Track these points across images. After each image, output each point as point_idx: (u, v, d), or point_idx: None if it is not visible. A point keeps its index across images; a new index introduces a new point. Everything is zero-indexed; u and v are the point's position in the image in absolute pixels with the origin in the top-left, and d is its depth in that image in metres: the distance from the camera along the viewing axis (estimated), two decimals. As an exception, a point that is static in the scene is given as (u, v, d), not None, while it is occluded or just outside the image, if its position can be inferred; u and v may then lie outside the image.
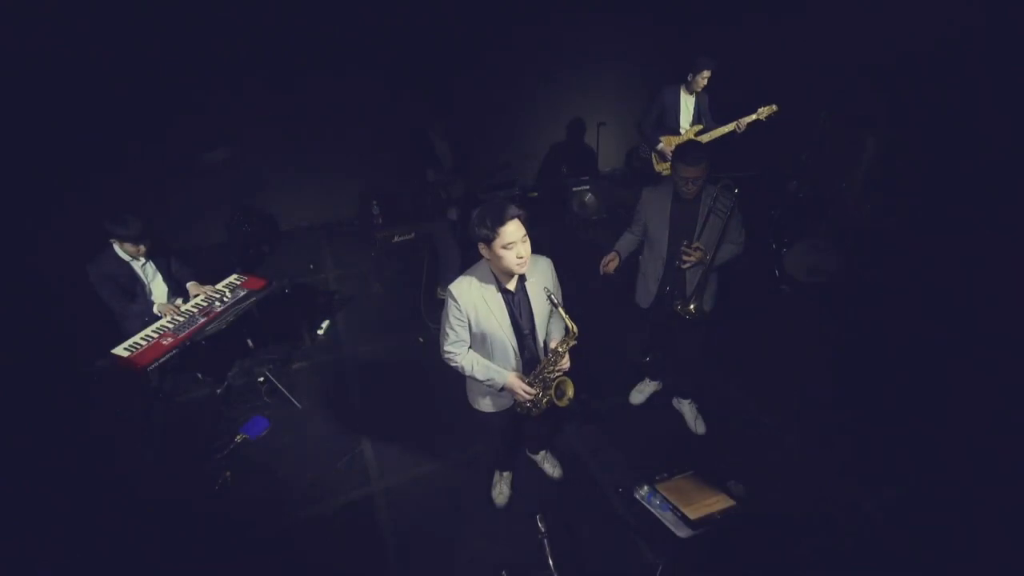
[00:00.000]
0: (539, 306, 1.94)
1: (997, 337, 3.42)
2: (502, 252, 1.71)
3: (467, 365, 1.95)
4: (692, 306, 2.51)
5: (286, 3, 4.26)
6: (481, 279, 1.87)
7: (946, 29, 3.93)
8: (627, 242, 2.72)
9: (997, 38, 3.71)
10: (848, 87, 4.53)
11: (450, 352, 1.95)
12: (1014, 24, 3.61)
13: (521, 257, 1.73)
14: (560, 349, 1.95)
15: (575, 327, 1.88)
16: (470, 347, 1.99)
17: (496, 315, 1.89)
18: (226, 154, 4.68)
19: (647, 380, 3.22)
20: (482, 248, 1.77)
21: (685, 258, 2.44)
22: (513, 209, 1.69)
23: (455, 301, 1.85)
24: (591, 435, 3.04)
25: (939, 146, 4.00)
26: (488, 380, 1.97)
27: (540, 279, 1.92)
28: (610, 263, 2.65)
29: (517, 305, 1.93)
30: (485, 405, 2.18)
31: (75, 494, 2.74)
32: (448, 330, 1.91)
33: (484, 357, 1.99)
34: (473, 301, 1.86)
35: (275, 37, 4.34)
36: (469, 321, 1.89)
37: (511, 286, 1.89)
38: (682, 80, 4.00)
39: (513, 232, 1.69)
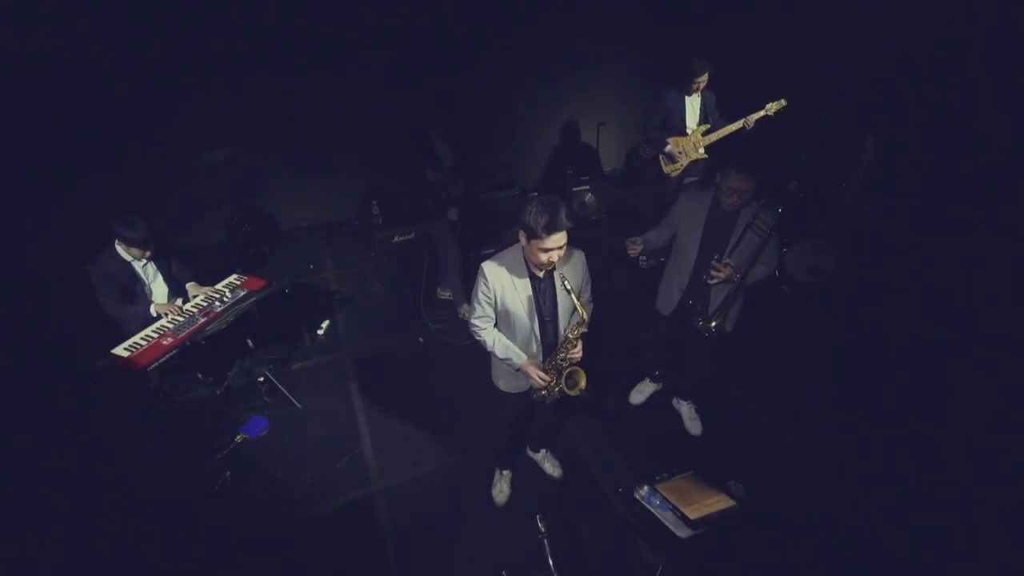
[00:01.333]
0: (563, 296, 2.01)
1: (997, 337, 3.42)
2: (538, 251, 1.81)
3: (489, 340, 2.06)
4: (713, 324, 2.41)
5: (286, 3, 4.26)
6: (513, 261, 1.97)
7: (946, 29, 3.93)
8: (653, 237, 2.61)
9: (997, 38, 3.71)
10: (848, 87, 4.53)
11: (476, 325, 2.06)
12: (1014, 24, 3.61)
13: (551, 261, 1.84)
14: (571, 336, 1.99)
15: (586, 314, 1.93)
16: (495, 324, 2.08)
17: (521, 298, 1.98)
18: (226, 154, 4.68)
19: (647, 380, 3.21)
20: (521, 235, 1.85)
21: (714, 273, 2.33)
22: (565, 221, 1.76)
23: (484, 278, 1.95)
24: (592, 434, 3.04)
25: (939, 146, 4.00)
26: (506, 359, 2.06)
27: (569, 271, 1.99)
28: (633, 245, 2.52)
29: (543, 292, 2.01)
30: (503, 384, 2.26)
31: (75, 494, 2.73)
32: (476, 304, 2.03)
33: (506, 333, 2.08)
34: (502, 281, 1.96)
35: (275, 37, 4.34)
36: (496, 298, 1.98)
37: (540, 273, 1.97)
38: (683, 84, 3.99)
39: (556, 240, 1.78)
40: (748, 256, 2.32)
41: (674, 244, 2.55)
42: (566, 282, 1.90)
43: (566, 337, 2.01)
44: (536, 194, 5.62)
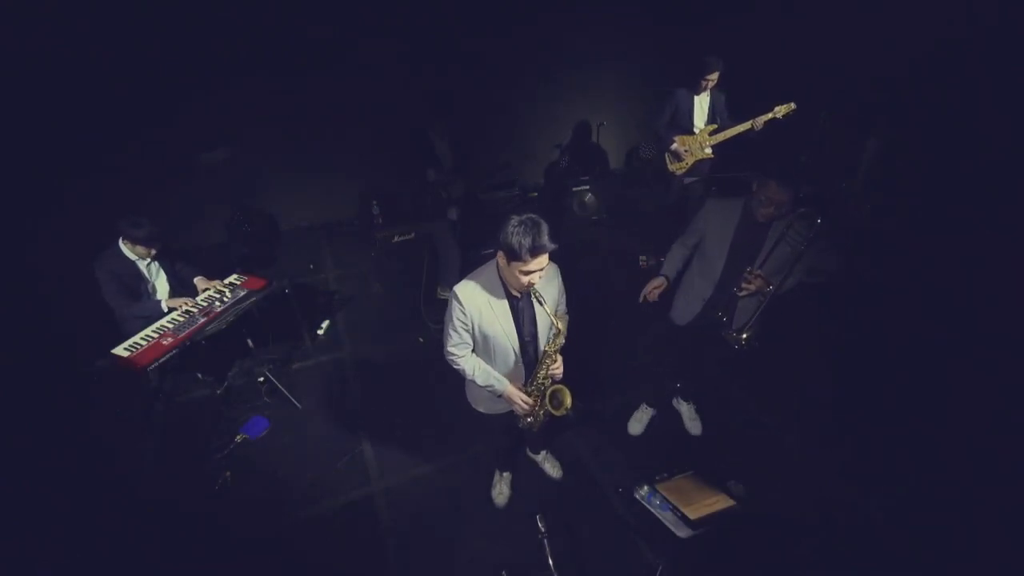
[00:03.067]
0: (542, 313, 1.93)
1: (997, 337, 3.42)
2: (518, 272, 1.71)
3: (468, 369, 1.95)
4: (744, 336, 2.30)
5: (286, 3, 4.26)
6: (488, 282, 1.86)
7: (946, 29, 3.94)
8: (676, 260, 2.49)
9: (997, 39, 3.71)
10: (848, 87, 4.53)
11: (453, 354, 1.95)
12: (1014, 24, 3.61)
13: (532, 283, 1.75)
14: (550, 350, 1.94)
15: (560, 324, 1.87)
16: (473, 349, 1.99)
17: (500, 320, 1.89)
18: (226, 154, 4.68)
19: (644, 407, 3.06)
20: (500, 256, 1.75)
21: (745, 285, 2.21)
22: (549, 243, 1.66)
23: (460, 304, 1.83)
24: (592, 435, 3.04)
25: (939, 146, 4.00)
26: (488, 386, 1.98)
27: (545, 286, 1.90)
28: (654, 290, 2.41)
29: (521, 312, 1.93)
30: (484, 408, 2.20)
31: (75, 494, 2.73)
32: (451, 331, 1.91)
33: (485, 360, 1.99)
34: (478, 304, 1.85)
35: (275, 37, 4.34)
36: (472, 324, 1.88)
37: (517, 292, 1.88)
38: (692, 82, 3.99)
39: (540, 263, 1.69)
40: (779, 268, 2.22)
41: (698, 252, 2.43)
42: (538, 294, 1.82)
43: (545, 352, 1.95)
44: (530, 193, 5.67)
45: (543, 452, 2.81)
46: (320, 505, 2.68)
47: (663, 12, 5.51)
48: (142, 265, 2.90)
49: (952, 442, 2.82)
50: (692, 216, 2.51)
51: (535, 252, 1.63)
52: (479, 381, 1.97)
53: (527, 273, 1.70)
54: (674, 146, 4.11)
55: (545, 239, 1.64)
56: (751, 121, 3.82)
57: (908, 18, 4.19)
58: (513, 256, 1.67)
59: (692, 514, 2.01)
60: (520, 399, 1.98)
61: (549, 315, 1.83)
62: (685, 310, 2.52)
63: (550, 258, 1.80)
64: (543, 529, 1.98)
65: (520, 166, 5.70)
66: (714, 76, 3.89)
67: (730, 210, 2.29)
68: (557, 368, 1.98)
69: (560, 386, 2.01)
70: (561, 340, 1.93)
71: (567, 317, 2.10)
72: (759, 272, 2.21)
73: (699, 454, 2.88)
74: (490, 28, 4.97)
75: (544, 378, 2.00)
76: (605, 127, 5.56)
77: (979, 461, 2.71)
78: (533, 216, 1.66)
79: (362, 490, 2.76)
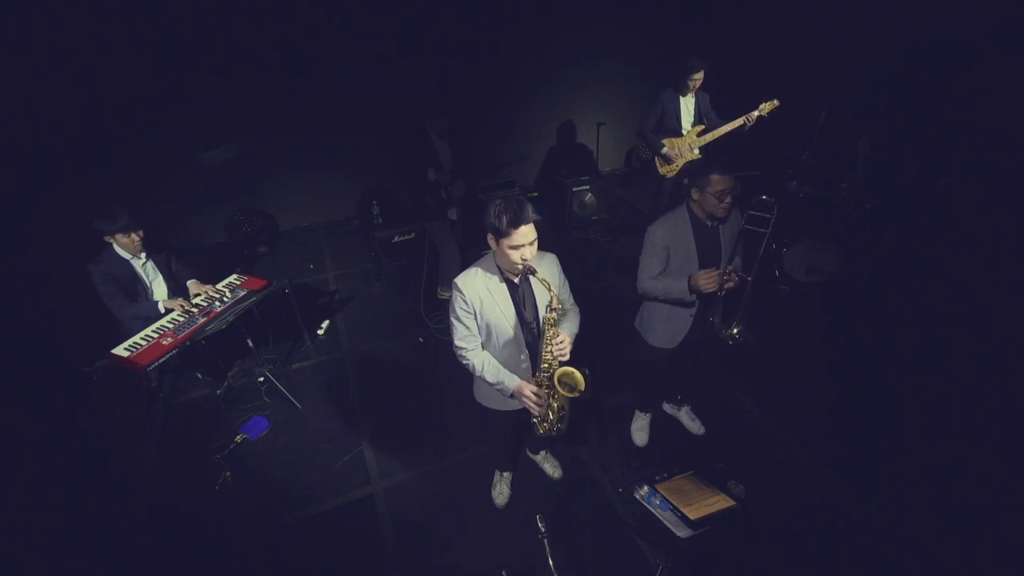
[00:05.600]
0: (543, 298, 1.92)
1: (997, 337, 3.42)
2: (508, 251, 1.73)
3: (478, 364, 1.94)
4: (736, 330, 2.35)
5: (287, 2, 4.26)
6: (486, 271, 1.88)
7: (946, 29, 3.94)
8: (656, 277, 2.37)
9: (997, 39, 3.71)
10: (847, 87, 4.53)
11: (461, 347, 1.94)
12: (1013, 25, 3.61)
13: (524, 259, 1.75)
14: (548, 320, 1.88)
15: (554, 290, 1.83)
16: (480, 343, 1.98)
17: (501, 306, 1.89)
18: (226, 153, 4.68)
19: (639, 414, 3.02)
20: (490, 239, 1.78)
21: (727, 286, 2.24)
22: (530, 213, 1.69)
23: (460, 292, 1.85)
24: (591, 435, 3.04)
25: (939, 146, 4.00)
26: (497, 383, 1.96)
27: (545, 272, 1.90)
28: (719, 278, 2.28)
29: (522, 298, 1.93)
30: (493, 403, 2.18)
31: (75, 494, 2.74)
32: (456, 323, 1.91)
33: (490, 349, 1.98)
34: (478, 292, 1.86)
35: (276, 37, 4.34)
36: (475, 311, 1.88)
37: (516, 278, 1.89)
38: (678, 84, 3.99)
39: (524, 235, 1.70)
40: (749, 258, 2.31)
41: (668, 274, 2.35)
42: (530, 266, 1.79)
43: (545, 324, 1.90)
44: (530, 193, 5.67)
45: (543, 452, 2.81)
46: (320, 505, 2.68)
47: (663, 12, 5.51)
48: (137, 265, 2.90)
49: (952, 442, 2.82)
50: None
51: (515, 223, 1.67)
52: (488, 378, 1.95)
53: (515, 248, 1.72)
54: (664, 149, 4.11)
55: (526, 212, 1.67)
56: (744, 117, 3.80)
57: (908, 18, 4.19)
58: (498, 234, 1.71)
59: (692, 514, 2.01)
60: (530, 391, 1.94)
61: (541, 282, 1.81)
62: (675, 332, 2.48)
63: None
64: (543, 529, 1.97)
65: (520, 166, 5.71)
66: (699, 76, 3.88)
67: (679, 223, 2.31)
68: (562, 345, 1.91)
69: (567, 368, 1.93)
70: (557, 305, 1.85)
71: (576, 308, 2.09)
72: (732, 268, 2.27)
73: (699, 454, 2.88)
74: (490, 28, 4.97)
75: (551, 360, 1.94)
76: (605, 127, 5.56)
77: (979, 461, 2.71)
78: (515, 195, 1.70)
79: (362, 490, 2.76)
